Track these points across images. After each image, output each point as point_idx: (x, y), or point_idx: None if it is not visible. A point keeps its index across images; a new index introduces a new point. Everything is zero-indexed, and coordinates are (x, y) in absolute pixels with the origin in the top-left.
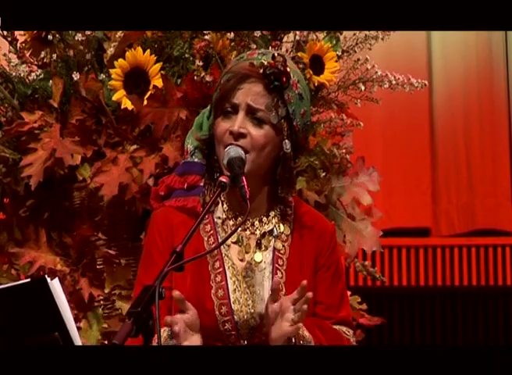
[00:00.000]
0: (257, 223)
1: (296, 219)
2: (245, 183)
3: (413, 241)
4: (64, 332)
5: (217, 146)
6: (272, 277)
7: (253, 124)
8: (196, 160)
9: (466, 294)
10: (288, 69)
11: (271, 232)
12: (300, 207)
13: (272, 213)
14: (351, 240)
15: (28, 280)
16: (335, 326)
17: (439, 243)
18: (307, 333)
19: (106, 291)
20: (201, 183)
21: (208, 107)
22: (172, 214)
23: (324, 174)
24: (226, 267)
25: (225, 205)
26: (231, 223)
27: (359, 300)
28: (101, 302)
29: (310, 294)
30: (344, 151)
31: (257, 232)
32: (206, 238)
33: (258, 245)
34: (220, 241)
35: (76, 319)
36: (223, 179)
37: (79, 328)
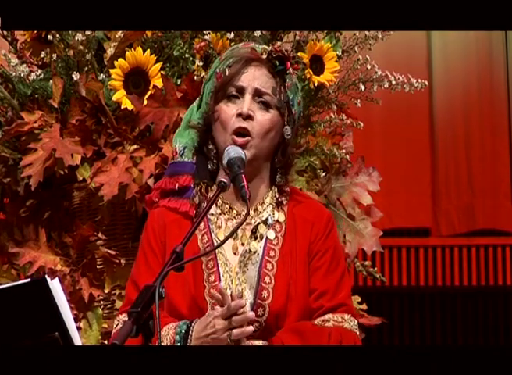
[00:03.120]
0: (252, 212)
1: (290, 209)
2: (245, 183)
3: (413, 241)
4: (64, 332)
5: (220, 132)
6: (260, 270)
7: (259, 108)
8: (186, 160)
9: (466, 294)
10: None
11: (265, 221)
12: (297, 197)
13: (267, 201)
14: (351, 240)
15: (28, 280)
16: (321, 318)
17: (439, 243)
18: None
19: (106, 291)
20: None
21: (196, 101)
22: (166, 213)
23: (324, 174)
24: (220, 266)
25: (219, 200)
26: (225, 217)
27: (359, 300)
28: (101, 302)
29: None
30: (344, 151)
31: (252, 221)
32: (200, 236)
33: (253, 234)
34: (213, 237)
35: (76, 319)
36: (223, 179)
37: (79, 328)
